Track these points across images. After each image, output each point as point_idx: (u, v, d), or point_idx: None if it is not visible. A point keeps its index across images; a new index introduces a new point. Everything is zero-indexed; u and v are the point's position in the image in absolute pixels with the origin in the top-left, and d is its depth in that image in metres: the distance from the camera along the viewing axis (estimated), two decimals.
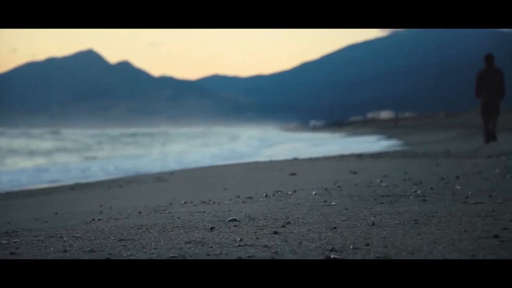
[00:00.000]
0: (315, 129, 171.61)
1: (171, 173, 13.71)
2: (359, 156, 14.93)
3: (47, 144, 48.76)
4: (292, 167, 11.79)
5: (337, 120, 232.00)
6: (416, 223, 4.43)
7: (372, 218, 4.75)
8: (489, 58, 16.77)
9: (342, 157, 14.89)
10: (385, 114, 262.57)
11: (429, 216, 4.74)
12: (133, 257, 3.56)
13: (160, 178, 12.15)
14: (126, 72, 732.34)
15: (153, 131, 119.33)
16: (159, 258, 3.49)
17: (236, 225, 4.68)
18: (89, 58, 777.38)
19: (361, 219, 4.74)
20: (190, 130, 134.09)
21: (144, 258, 3.53)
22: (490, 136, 16.61)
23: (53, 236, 4.48)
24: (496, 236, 3.75)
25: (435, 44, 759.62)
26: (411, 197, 6.01)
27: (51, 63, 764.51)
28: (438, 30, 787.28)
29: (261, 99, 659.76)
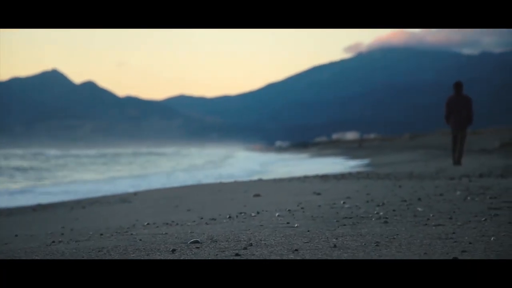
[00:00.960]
0: (281, 150, 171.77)
1: (135, 193, 13.61)
2: (323, 177, 14.97)
3: (10, 163, 48.16)
4: (257, 188, 11.79)
5: (302, 141, 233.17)
6: (377, 245, 4.46)
7: (334, 240, 4.77)
8: (458, 86, 17.49)
9: (306, 178, 14.93)
10: (351, 135, 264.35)
11: (390, 238, 4.77)
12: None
13: (124, 199, 12.06)
14: (91, 92, 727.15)
15: (136, 151, 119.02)
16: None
17: (198, 247, 4.66)
18: (53, 78, 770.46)
19: (323, 241, 4.76)
20: (168, 151, 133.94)
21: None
22: (456, 161, 17.70)
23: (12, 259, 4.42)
24: (455, 258, 3.79)
25: (400, 66, 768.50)
26: (373, 219, 6.05)
27: (15, 82, 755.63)
28: (403, 53, 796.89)
29: (227, 120, 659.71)
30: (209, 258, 4.17)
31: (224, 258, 4.17)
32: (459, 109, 17.32)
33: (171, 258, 4.22)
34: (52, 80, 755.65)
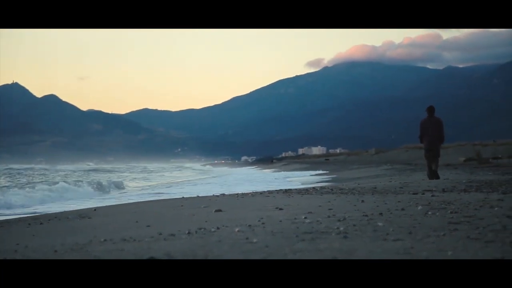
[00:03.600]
0: (247, 164, 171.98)
1: (95, 209, 13.43)
2: (286, 192, 14.94)
3: None
4: (219, 204, 11.71)
5: (268, 156, 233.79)
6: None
7: (292, 255, 4.71)
8: (431, 109, 19.17)
9: (269, 193, 14.88)
10: (317, 150, 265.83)
11: (349, 253, 4.72)
12: None
13: (83, 214, 11.88)
14: (53, 105, 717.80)
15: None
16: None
17: None
18: (14, 91, 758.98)
19: (281, 256, 4.69)
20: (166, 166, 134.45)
21: None
22: (433, 176, 19.06)
23: None
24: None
25: (366, 81, 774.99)
26: (333, 234, 6.00)
27: None
28: (368, 67, 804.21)
29: (192, 134, 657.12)
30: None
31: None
32: (432, 130, 19.03)
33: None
34: (12, 94, 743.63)
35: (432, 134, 19.08)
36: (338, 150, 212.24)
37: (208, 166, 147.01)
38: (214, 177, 52.13)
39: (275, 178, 42.08)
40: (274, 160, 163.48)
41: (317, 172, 51.88)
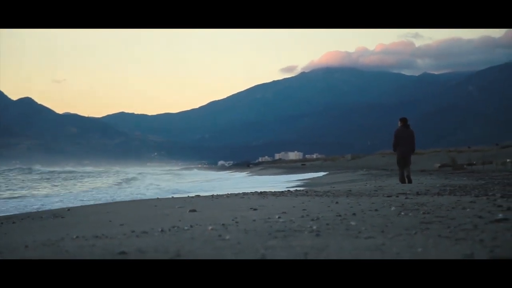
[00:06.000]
0: (224, 169, 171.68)
1: (69, 209, 13.35)
2: (261, 194, 14.95)
3: None
4: (193, 204, 11.69)
5: (245, 160, 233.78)
6: (306, 256, 4.41)
7: (263, 251, 4.72)
8: (404, 120, 20.62)
9: (244, 195, 14.88)
10: (293, 155, 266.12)
11: (320, 249, 4.73)
12: None
13: (57, 214, 11.80)
14: (28, 108, 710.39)
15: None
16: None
17: (124, 258, 4.54)
18: None
19: (252, 252, 4.70)
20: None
21: None
22: (407, 180, 20.19)
23: None
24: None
25: (343, 86, 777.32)
26: (305, 232, 6.01)
27: None
28: (345, 73, 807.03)
29: (169, 138, 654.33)
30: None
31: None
32: (405, 140, 20.37)
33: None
34: None
35: (405, 145, 20.35)
36: (314, 156, 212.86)
37: (195, 170, 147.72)
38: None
39: (281, 182, 42.02)
40: (250, 165, 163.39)
41: (297, 176, 51.97)
